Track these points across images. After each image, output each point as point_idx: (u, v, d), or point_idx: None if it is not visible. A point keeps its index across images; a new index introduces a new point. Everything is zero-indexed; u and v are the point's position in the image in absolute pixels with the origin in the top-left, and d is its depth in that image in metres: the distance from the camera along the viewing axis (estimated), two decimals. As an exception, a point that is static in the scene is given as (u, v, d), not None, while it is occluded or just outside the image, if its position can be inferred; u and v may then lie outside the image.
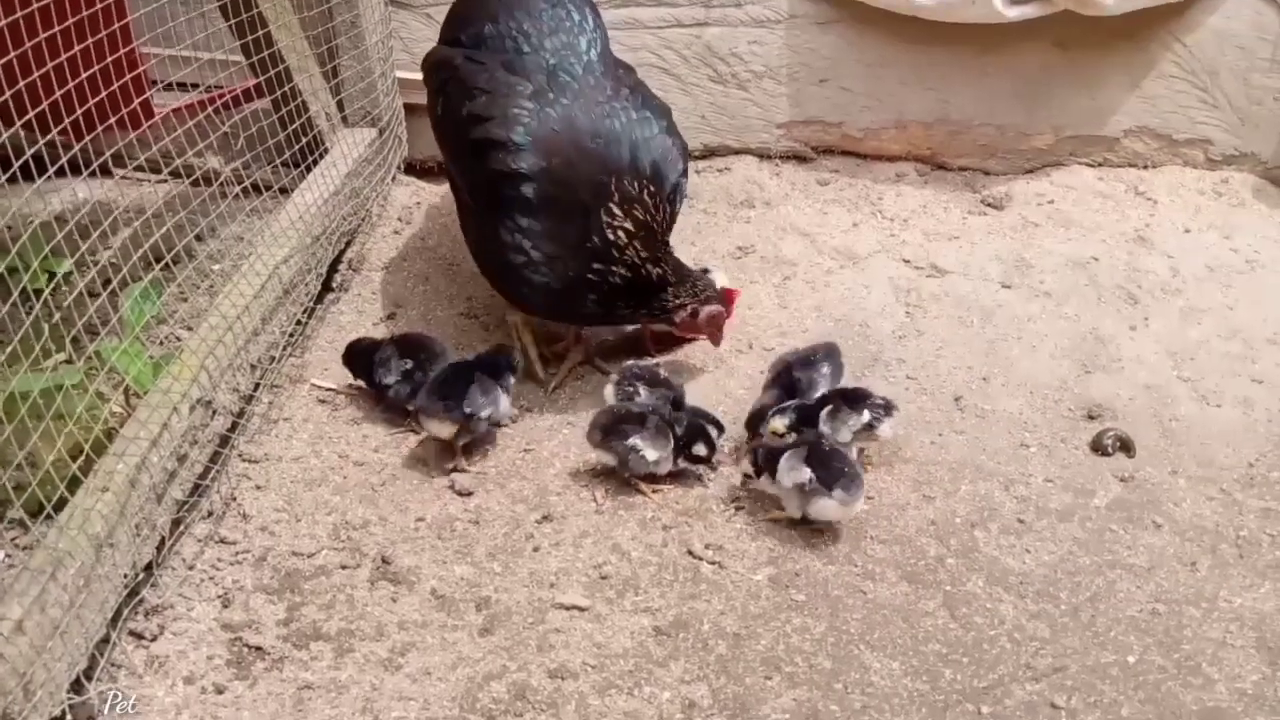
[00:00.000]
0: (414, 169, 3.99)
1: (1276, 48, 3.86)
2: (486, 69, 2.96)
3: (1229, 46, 3.88)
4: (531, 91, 2.87)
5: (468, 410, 2.66)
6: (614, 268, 2.82)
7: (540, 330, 3.16)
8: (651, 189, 2.86)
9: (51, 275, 2.82)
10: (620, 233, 2.80)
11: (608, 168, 2.82)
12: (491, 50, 3.02)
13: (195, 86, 3.16)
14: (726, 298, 3.02)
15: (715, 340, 3.03)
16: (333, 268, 3.43)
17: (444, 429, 2.69)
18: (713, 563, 2.51)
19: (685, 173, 3.03)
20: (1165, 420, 2.96)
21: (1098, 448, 2.85)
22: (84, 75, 2.36)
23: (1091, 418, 2.96)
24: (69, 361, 2.61)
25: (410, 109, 3.84)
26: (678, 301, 2.90)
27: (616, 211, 2.80)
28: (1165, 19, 3.84)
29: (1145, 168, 4.06)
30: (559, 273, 2.83)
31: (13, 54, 2.00)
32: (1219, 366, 3.15)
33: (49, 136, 2.10)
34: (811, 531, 2.58)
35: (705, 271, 3.14)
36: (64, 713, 1.92)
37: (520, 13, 3.03)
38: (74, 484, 2.11)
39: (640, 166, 2.86)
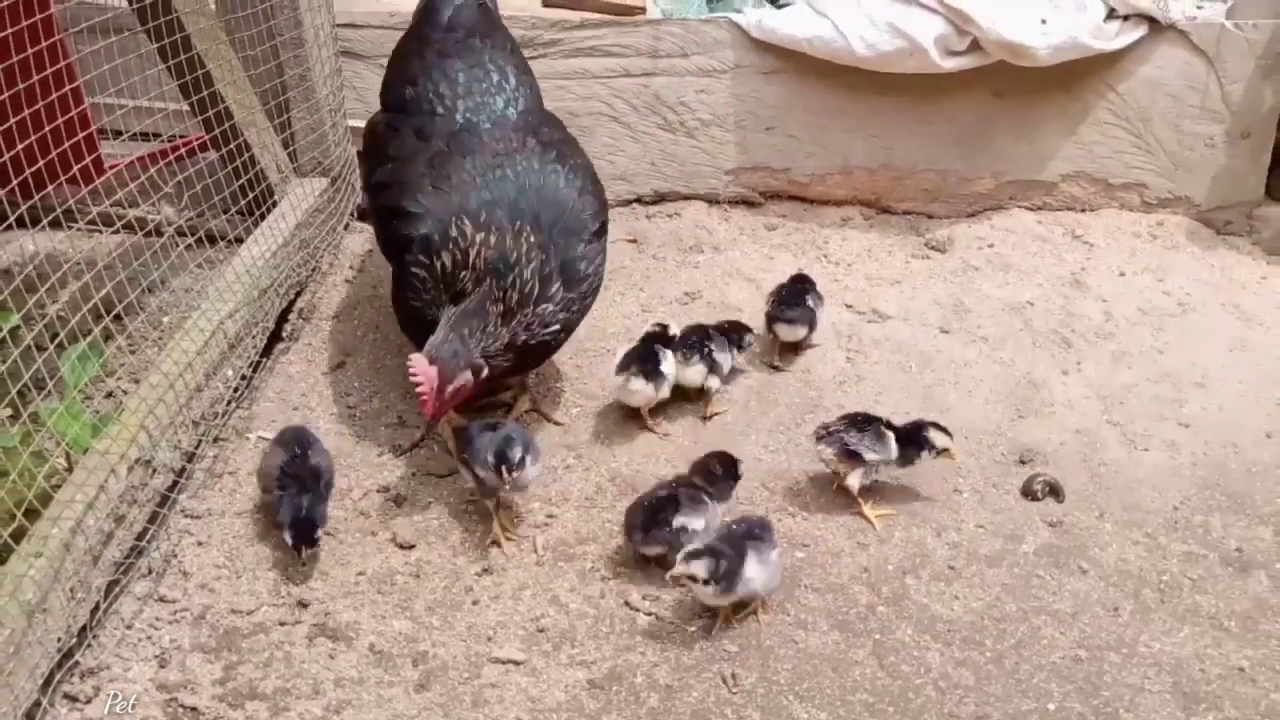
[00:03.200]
0: (366, 216, 4.03)
1: (1205, 95, 4.00)
2: (399, 135, 3.04)
3: (1160, 94, 4.02)
4: (431, 155, 2.93)
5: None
6: (443, 254, 2.78)
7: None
8: (533, 238, 2.80)
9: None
10: (470, 235, 2.78)
11: (490, 205, 2.83)
12: (411, 114, 3.09)
13: (147, 137, 3.20)
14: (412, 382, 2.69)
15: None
16: (283, 317, 3.47)
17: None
18: (649, 614, 2.55)
19: (597, 231, 2.99)
20: (1094, 464, 3.04)
21: (1028, 493, 2.93)
22: (34, 137, 2.40)
23: (1023, 462, 3.04)
24: (14, 418, 2.63)
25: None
26: (433, 335, 2.76)
27: (475, 224, 2.79)
28: (1098, 69, 3.97)
29: (1083, 211, 4.18)
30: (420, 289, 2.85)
31: None
32: (1148, 410, 3.24)
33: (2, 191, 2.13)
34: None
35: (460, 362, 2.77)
36: (-10, 783, 1.93)
37: (438, 74, 3.10)
38: (8, 547, 2.13)
39: (525, 222, 2.83)
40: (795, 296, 3.39)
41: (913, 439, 2.84)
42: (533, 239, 2.82)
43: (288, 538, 2.56)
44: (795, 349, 3.45)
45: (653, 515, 2.61)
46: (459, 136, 2.97)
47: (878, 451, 2.78)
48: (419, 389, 2.64)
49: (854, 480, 2.79)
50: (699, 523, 2.61)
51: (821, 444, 2.81)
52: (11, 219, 2.28)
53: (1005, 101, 4.03)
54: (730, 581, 2.40)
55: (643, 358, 3.07)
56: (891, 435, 2.82)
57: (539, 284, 2.82)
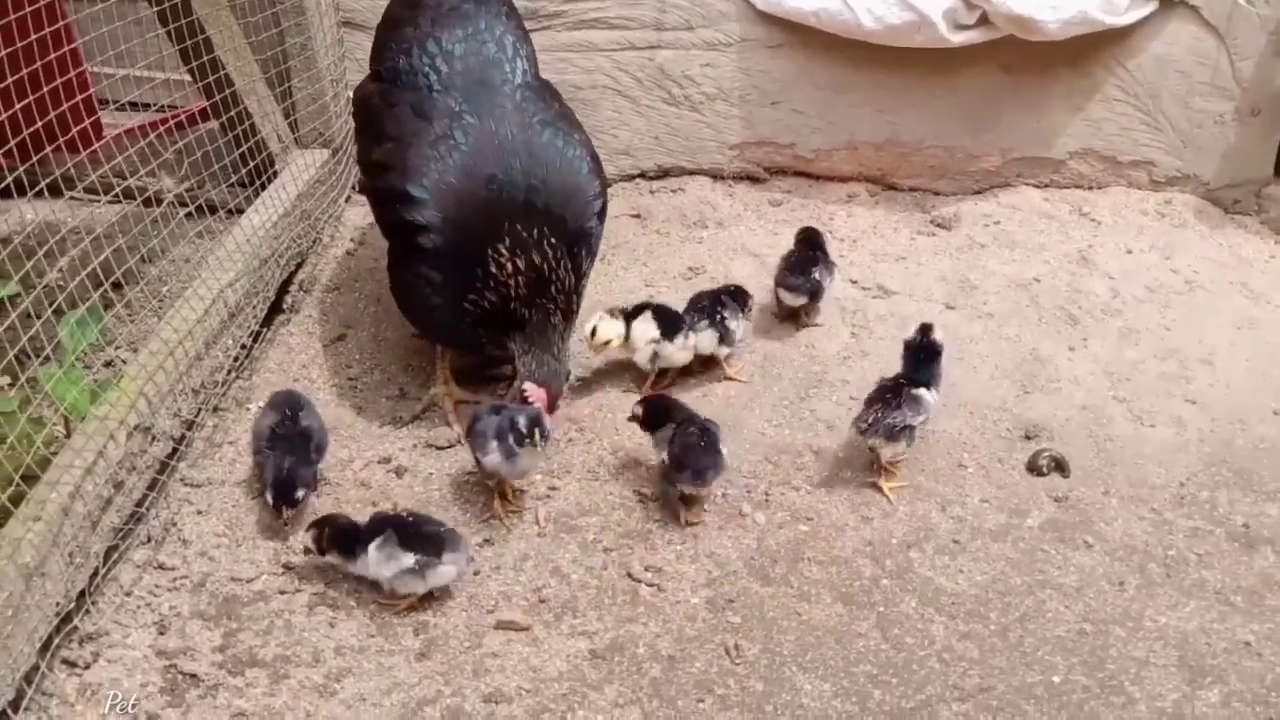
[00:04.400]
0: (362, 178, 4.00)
1: (1216, 72, 3.96)
2: (396, 111, 2.95)
3: (1170, 71, 3.97)
4: (434, 138, 2.84)
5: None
6: (486, 294, 2.79)
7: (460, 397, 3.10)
8: (549, 233, 2.80)
9: (-3, 299, 2.81)
10: (507, 265, 2.78)
11: (503, 212, 2.80)
12: (406, 86, 2.98)
13: (146, 107, 3.17)
14: (545, 405, 2.78)
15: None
16: (284, 289, 3.44)
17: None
18: (651, 585, 2.54)
19: (600, 212, 2.98)
20: (1100, 440, 3.02)
21: (1033, 468, 2.91)
22: (32, 97, 2.37)
23: (1029, 438, 3.02)
24: (12, 384, 2.62)
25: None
26: (518, 363, 2.86)
27: (504, 251, 2.78)
28: (1108, 44, 3.93)
29: (1090, 189, 4.14)
30: (455, 309, 2.85)
31: None
32: (1154, 387, 3.22)
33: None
34: (751, 552, 2.62)
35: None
36: (-11, 744, 1.92)
37: (434, 46, 2.99)
38: (6, 511, 2.11)
39: (536, 210, 2.81)
40: (802, 265, 3.36)
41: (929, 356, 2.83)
42: (553, 240, 2.81)
43: (269, 497, 2.56)
44: (796, 316, 3.43)
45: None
46: (461, 118, 2.88)
47: (920, 412, 2.78)
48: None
49: (893, 450, 2.77)
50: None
51: (871, 438, 2.75)
52: (9, 181, 2.26)
53: (1013, 77, 3.98)
54: None
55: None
56: (921, 390, 2.79)
57: (574, 275, 2.87)
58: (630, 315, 3.08)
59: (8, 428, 2.14)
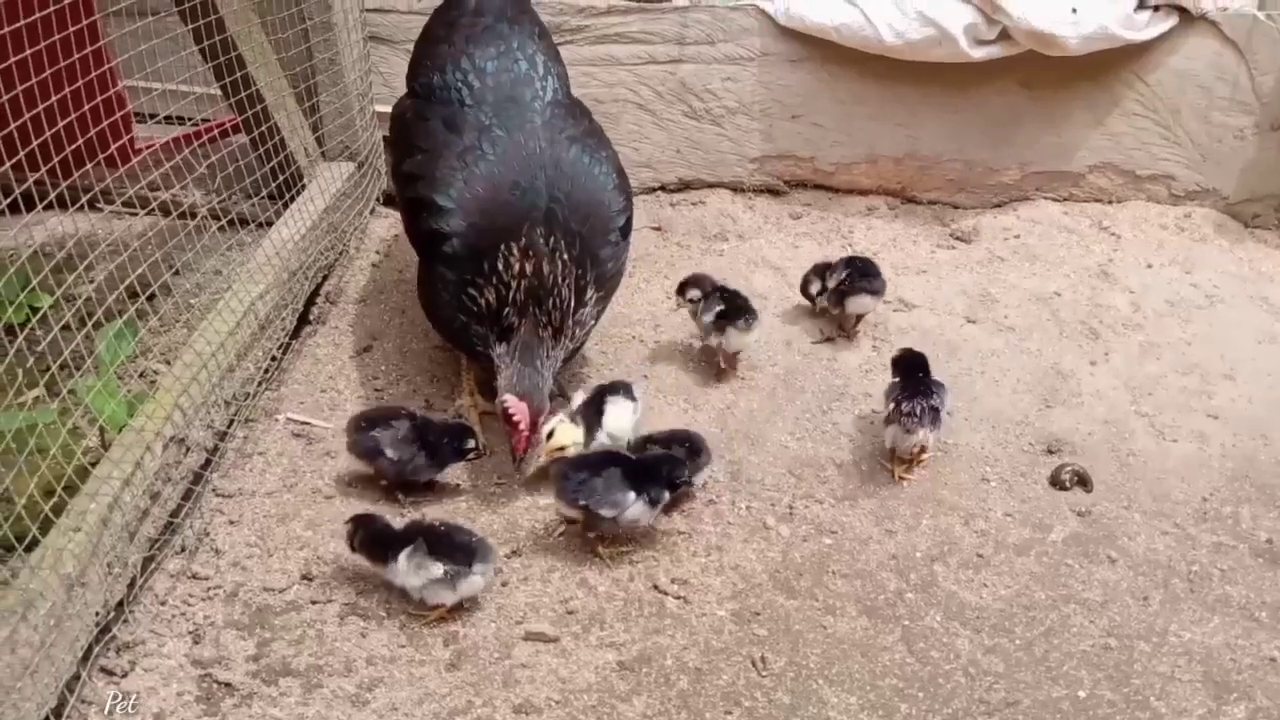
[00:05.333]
0: (392, 201, 4.04)
1: (1235, 87, 3.98)
2: (428, 125, 3.00)
3: (1190, 86, 3.99)
4: (462, 149, 2.89)
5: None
6: (486, 290, 2.78)
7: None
8: (565, 247, 2.81)
9: (34, 310, 2.86)
10: (514, 266, 2.77)
11: (524, 216, 2.82)
12: (439, 101, 3.05)
13: (180, 120, 3.22)
14: (509, 423, 2.69)
15: (512, 445, 2.74)
16: (310, 300, 3.49)
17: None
18: (678, 597, 2.56)
19: (624, 227, 2.98)
20: (1122, 455, 3.03)
21: (1056, 482, 2.92)
22: (72, 116, 2.41)
23: (1051, 452, 3.03)
24: (41, 399, 2.66)
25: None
26: (496, 369, 2.80)
27: (515, 250, 2.78)
28: (1128, 59, 3.95)
29: (1109, 203, 4.16)
30: (457, 305, 2.86)
31: (3, 98, 2.06)
32: (1176, 401, 3.23)
33: (37, 174, 2.15)
34: (776, 566, 2.64)
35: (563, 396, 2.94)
36: (33, 752, 1.95)
37: (467, 63, 3.06)
38: (45, 523, 2.15)
39: (556, 221, 2.83)
40: (870, 269, 3.40)
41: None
42: (566, 256, 2.82)
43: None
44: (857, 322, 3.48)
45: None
46: (490, 131, 2.93)
47: (946, 401, 2.91)
48: (520, 426, 2.68)
49: (934, 436, 2.87)
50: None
51: (923, 430, 2.81)
52: (51, 199, 2.31)
53: (1033, 91, 4.01)
54: None
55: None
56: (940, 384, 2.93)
57: (575, 297, 2.85)
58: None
59: (49, 439, 2.17)
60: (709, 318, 3.18)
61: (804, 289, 3.50)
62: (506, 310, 2.80)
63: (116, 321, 2.53)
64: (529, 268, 2.78)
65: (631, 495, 2.57)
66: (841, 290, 3.37)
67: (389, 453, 2.73)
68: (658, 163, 4.18)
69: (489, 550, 2.48)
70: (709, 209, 4.11)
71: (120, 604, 2.30)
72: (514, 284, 2.79)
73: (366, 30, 3.83)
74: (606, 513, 2.56)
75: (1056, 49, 3.78)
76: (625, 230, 3.03)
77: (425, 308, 3.08)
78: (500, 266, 2.79)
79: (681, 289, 3.31)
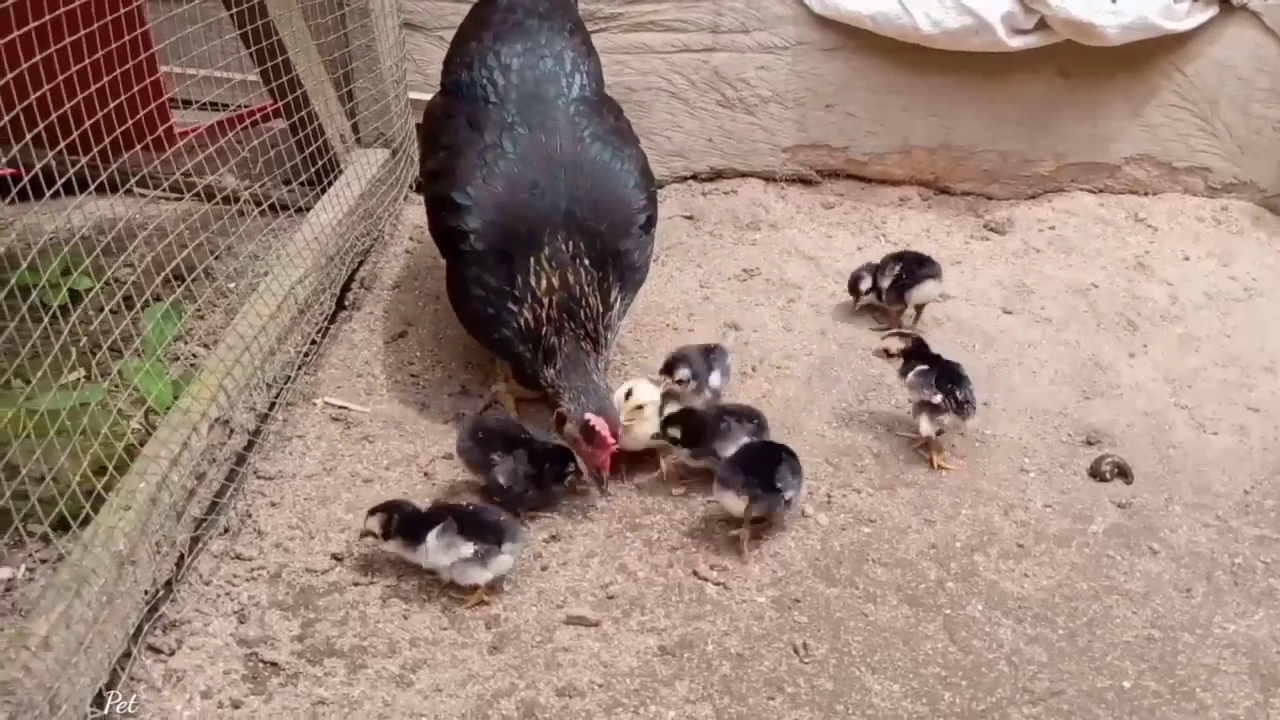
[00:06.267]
0: (423, 189, 4.05)
1: (1275, 79, 3.94)
2: (453, 122, 3.01)
3: (1229, 77, 3.95)
4: (483, 147, 2.89)
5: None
6: (524, 309, 2.80)
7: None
8: (584, 250, 2.82)
9: (74, 293, 2.89)
10: (543, 281, 2.79)
11: (544, 219, 2.82)
12: (465, 98, 3.04)
13: (224, 107, 3.23)
14: (596, 440, 2.66)
15: (588, 462, 2.71)
16: (345, 286, 3.50)
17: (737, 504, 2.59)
18: (717, 584, 2.56)
19: (646, 224, 2.97)
20: (1163, 447, 3.01)
21: (1096, 473, 2.91)
22: (112, 104, 2.43)
23: (1090, 443, 3.01)
24: (88, 378, 2.68)
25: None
26: (553, 393, 2.79)
27: (544, 263, 2.80)
28: (1166, 49, 3.91)
29: (1145, 195, 4.12)
30: (485, 314, 2.86)
31: (45, 87, 2.07)
32: (1216, 394, 3.21)
33: (84, 160, 2.17)
34: (815, 554, 2.64)
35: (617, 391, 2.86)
36: (87, 726, 1.97)
37: (493, 60, 3.05)
38: (96, 500, 2.16)
39: (575, 221, 2.83)
40: (922, 258, 3.41)
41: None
42: (586, 261, 2.82)
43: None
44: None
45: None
46: (512, 130, 2.92)
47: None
48: (608, 443, 2.66)
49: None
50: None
51: (969, 417, 2.86)
52: (92, 186, 2.32)
53: (1070, 81, 3.98)
54: None
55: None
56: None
57: (601, 302, 2.85)
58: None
59: (101, 418, 2.19)
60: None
61: (853, 287, 3.47)
62: (544, 330, 2.80)
63: (164, 303, 2.55)
64: (555, 281, 2.79)
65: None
66: (900, 284, 3.35)
67: (501, 479, 2.66)
68: (690, 151, 4.17)
69: (518, 529, 2.49)
70: (741, 198, 4.10)
71: (169, 583, 2.32)
72: (546, 300, 2.79)
73: (402, 16, 3.83)
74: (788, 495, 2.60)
75: (1095, 39, 3.75)
76: (647, 226, 3.02)
77: (457, 309, 3.06)
78: (532, 282, 2.79)
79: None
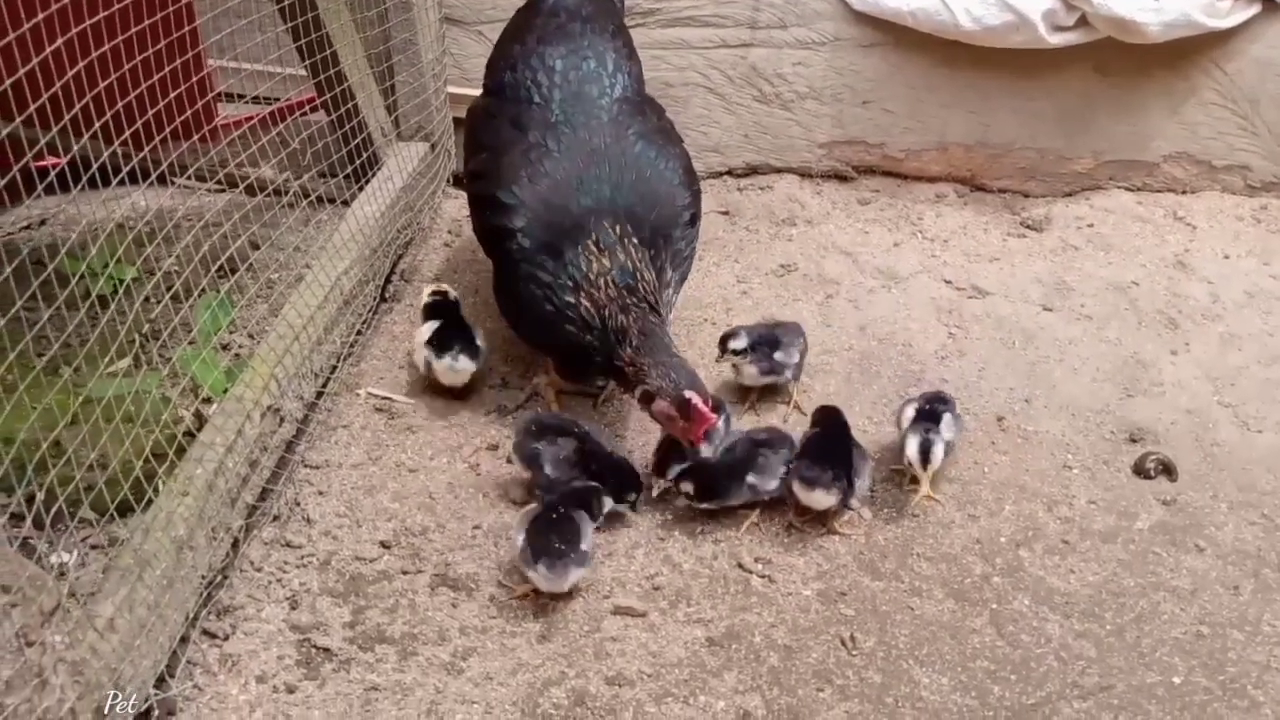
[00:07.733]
0: (460, 183, 4.07)
1: (1317, 77, 3.90)
2: (495, 123, 3.03)
3: (1270, 75, 3.92)
4: (527, 146, 2.90)
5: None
6: (581, 299, 2.78)
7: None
8: (632, 232, 2.82)
9: (120, 282, 2.91)
10: (594, 265, 2.78)
11: (590, 211, 2.82)
12: (509, 99, 3.07)
13: (268, 101, 3.25)
14: (695, 415, 2.58)
15: (683, 437, 2.64)
16: (386, 279, 3.52)
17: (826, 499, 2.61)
18: (762, 576, 2.57)
19: (691, 220, 2.98)
20: (1206, 445, 3.00)
21: (1140, 470, 2.90)
22: (166, 100, 2.45)
23: (1133, 441, 3.00)
24: (138, 366, 2.71)
25: (460, 123, 3.93)
26: (634, 371, 2.70)
27: (593, 248, 2.79)
28: (1207, 47, 3.89)
29: (1184, 193, 4.10)
30: (543, 311, 2.84)
31: (99, 86, 2.10)
32: (1259, 392, 3.19)
33: (140, 154, 2.19)
34: (859, 547, 2.64)
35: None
36: (150, 708, 2.00)
37: (536, 61, 3.06)
38: (153, 487, 2.19)
39: (620, 210, 2.84)
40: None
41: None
42: (635, 240, 2.82)
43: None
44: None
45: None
46: (556, 129, 2.94)
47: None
48: (708, 414, 2.59)
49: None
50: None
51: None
52: (155, 175, 2.35)
53: (1109, 79, 3.96)
54: None
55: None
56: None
57: (656, 276, 2.85)
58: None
59: (160, 406, 2.22)
60: None
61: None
62: (608, 310, 2.75)
63: (218, 293, 2.57)
64: (607, 262, 2.79)
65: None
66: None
67: (549, 470, 2.67)
68: (726, 147, 4.17)
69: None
70: (777, 194, 4.10)
71: (223, 569, 2.34)
72: (601, 282, 2.77)
73: (442, 10, 3.85)
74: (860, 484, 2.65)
75: (1137, 36, 3.73)
76: (691, 222, 3.03)
77: (514, 316, 3.03)
78: (584, 267, 2.78)
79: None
